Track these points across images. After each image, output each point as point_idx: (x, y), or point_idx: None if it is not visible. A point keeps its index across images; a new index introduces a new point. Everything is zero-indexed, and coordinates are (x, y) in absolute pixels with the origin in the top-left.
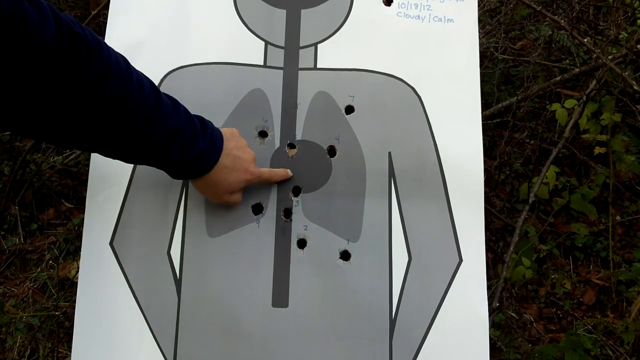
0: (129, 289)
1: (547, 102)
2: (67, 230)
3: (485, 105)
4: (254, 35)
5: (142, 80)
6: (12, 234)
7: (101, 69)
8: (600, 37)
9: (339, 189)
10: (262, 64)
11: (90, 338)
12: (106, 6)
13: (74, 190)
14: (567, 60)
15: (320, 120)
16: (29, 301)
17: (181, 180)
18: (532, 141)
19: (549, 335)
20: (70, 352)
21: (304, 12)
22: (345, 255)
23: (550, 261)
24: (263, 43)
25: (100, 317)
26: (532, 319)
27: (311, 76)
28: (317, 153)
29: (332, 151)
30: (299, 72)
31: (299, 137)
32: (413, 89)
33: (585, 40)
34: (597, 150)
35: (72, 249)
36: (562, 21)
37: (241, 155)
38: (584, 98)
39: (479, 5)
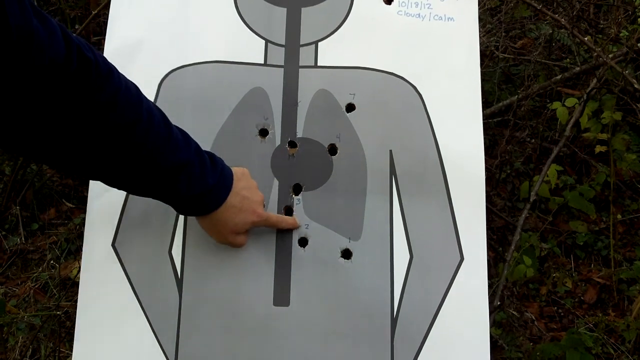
0: (130, 288)
1: (548, 101)
2: (68, 230)
3: (486, 104)
4: (254, 34)
5: (152, 110)
6: (14, 233)
7: (110, 95)
8: (600, 36)
9: (340, 187)
10: (262, 62)
11: (92, 338)
12: (106, 6)
13: (74, 190)
14: (568, 59)
15: (321, 118)
16: (31, 301)
17: None
18: (533, 140)
19: (550, 334)
20: (72, 351)
21: (304, 11)
22: (346, 254)
23: (552, 260)
24: (263, 41)
25: (101, 317)
26: (533, 317)
27: (312, 74)
28: (318, 151)
29: (333, 149)
30: (300, 70)
31: (299, 135)
32: (414, 87)
33: (586, 38)
34: (598, 148)
35: (73, 248)
36: (563, 20)
37: (250, 196)
38: (585, 97)
39: (479, 4)
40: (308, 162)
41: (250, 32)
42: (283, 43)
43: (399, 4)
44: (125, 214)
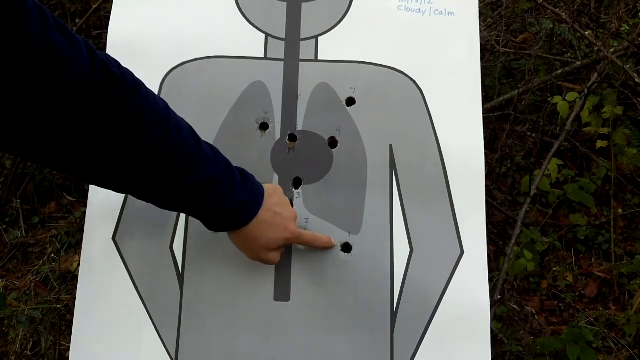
0: (131, 283)
1: (549, 95)
2: (69, 223)
3: (486, 98)
4: (254, 28)
5: (181, 125)
6: (14, 227)
7: (137, 110)
8: (601, 30)
9: (340, 180)
10: (262, 56)
11: (91, 331)
12: (107, 0)
13: (75, 183)
14: (569, 54)
15: (321, 111)
16: (31, 294)
17: None
18: (534, 134)
19: (551, 328)
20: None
21: (305, 5)
22: (346, 248)
23: (552, 254)
24: (263, 35)
25: (101, 311)
26: (534, 311)
27: (312, 68)
28: (318, 144)
29: (333, 143)
30: (300, 63)
31: (299, 128)
32: (414, 81)
33: (587, 33)
34: (599, 143)
35: (73, 242)
36: (564, 14)
37: (282, 212)
38: (586, 91)
39: None
40: (308, 155)
41: (251, 26)
42: (283, 37)
43: None
44: (126, 207)
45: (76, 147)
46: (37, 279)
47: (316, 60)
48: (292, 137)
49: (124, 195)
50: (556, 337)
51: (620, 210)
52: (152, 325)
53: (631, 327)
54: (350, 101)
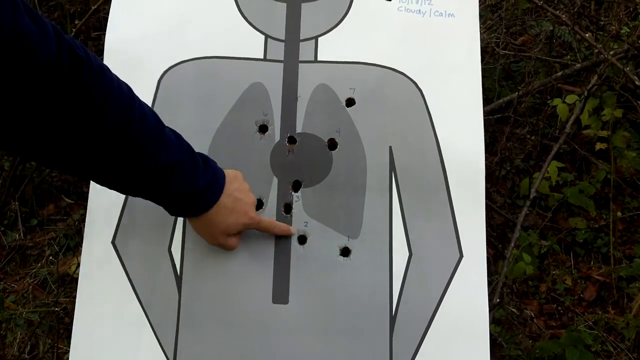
0: (130, 285)
1: (548, 98)
2: (67, 226)
3: (486, 100)
4: (253, 29)
5: (145, 110)
6: (12, 229)
7: (102, 94)
8: (601, 33)
9: (339, 183)
10: (262, 57)
11: (90, 334)
12: (106, 1)
13: (74, 185)
14: (569, 56)
15: (320, 112)
16: (29, 297)
17: None
18: (533, 137)
19: (550, 331)
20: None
21: (305, 6)
22: (345, 252)
23: (551, 257)
24: (263, 37)
25: (100, 314)
26: (532, 315)
27: (312, 69)
28: (318, 146)
29: (332, 144)
30: (300, 64)
31: (299, 130)
32: (414, 82)
33: (587, 35)
34: (598, 146)
35: (72, 244)
36: (564, 16)
37: (243, 198)
38: (585, 93)
39: (479, 0)
40: (307, 157)
41: (250, 27)
42: (283, 38)
43: (399, 0)
44: (125, 211)
45: (41, 132)
46: (35, 282)
47: (316, 61)
48: (292, 140)
49: (123, 199)
50: (555, 341)
51: (619, 214)
52: (151, 328)
53: (630, 331)
54: (350, 102)
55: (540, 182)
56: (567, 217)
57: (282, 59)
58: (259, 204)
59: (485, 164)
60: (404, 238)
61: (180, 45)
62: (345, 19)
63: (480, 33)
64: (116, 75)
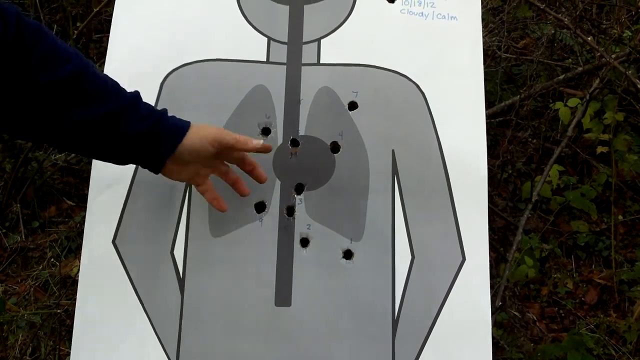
0: (132, 288)
1: (550, 101)
2: (69, 228)
3: (488, 104)
4: (256, 32)
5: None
6: (14, 231)
7: (43, 52)
8: (603, 36)
9: (342, 185)
10: (265, 60)
11: (91, 336)
12: (108, 3)
13: (75, 188)
14: (570, 59)
15: (323, 116)
16: (31, 299)
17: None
18: (535, 140)
19: (552, 335)
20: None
21: (307, 8)
22: (348, 255)
23: (553, 260)
24: (266, 39)
25: (102, 316)
26: (534, 318)
27: (314, 72)
28: (320, 149)
29: (335, 147)
30: (302, 67)
31: (302, 132)
32: (417, 85)
33: (589, 38)
34: (600, 149)
35: (73, 246)
36: (566, 20)
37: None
38: (587, 97)
39: (481, 4)
40: (310, 160)
41: (253, 29)
42: (285, 40)
43: (402, 3)
44: (126, 212)
45: None
46: (36, 284)
47: (318, 64)
48: (294, 142)
49: (124, 199)
50: (557, 344)
51: (620, 217)
52: (153, 330)
53: (632, 335)
54: (353, 105)
55: (542, 185)
56: (569, 220)
57: (285, 61)
58: (262, 207)
59: (487, 167)
60: (407, 241)
61: (183, 48)
62: (348, 21)
63: (482, 36)
64: (51, 32)
